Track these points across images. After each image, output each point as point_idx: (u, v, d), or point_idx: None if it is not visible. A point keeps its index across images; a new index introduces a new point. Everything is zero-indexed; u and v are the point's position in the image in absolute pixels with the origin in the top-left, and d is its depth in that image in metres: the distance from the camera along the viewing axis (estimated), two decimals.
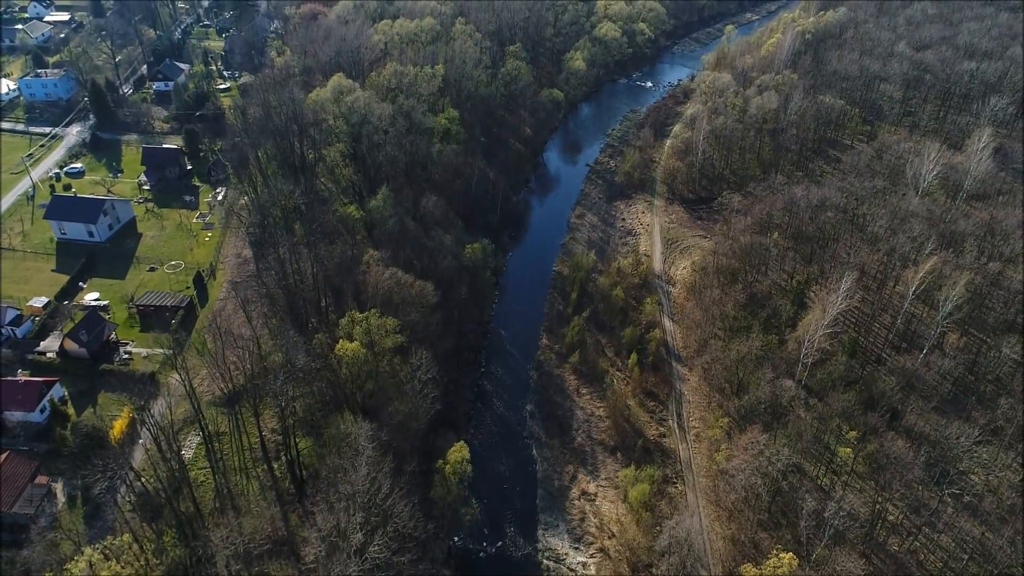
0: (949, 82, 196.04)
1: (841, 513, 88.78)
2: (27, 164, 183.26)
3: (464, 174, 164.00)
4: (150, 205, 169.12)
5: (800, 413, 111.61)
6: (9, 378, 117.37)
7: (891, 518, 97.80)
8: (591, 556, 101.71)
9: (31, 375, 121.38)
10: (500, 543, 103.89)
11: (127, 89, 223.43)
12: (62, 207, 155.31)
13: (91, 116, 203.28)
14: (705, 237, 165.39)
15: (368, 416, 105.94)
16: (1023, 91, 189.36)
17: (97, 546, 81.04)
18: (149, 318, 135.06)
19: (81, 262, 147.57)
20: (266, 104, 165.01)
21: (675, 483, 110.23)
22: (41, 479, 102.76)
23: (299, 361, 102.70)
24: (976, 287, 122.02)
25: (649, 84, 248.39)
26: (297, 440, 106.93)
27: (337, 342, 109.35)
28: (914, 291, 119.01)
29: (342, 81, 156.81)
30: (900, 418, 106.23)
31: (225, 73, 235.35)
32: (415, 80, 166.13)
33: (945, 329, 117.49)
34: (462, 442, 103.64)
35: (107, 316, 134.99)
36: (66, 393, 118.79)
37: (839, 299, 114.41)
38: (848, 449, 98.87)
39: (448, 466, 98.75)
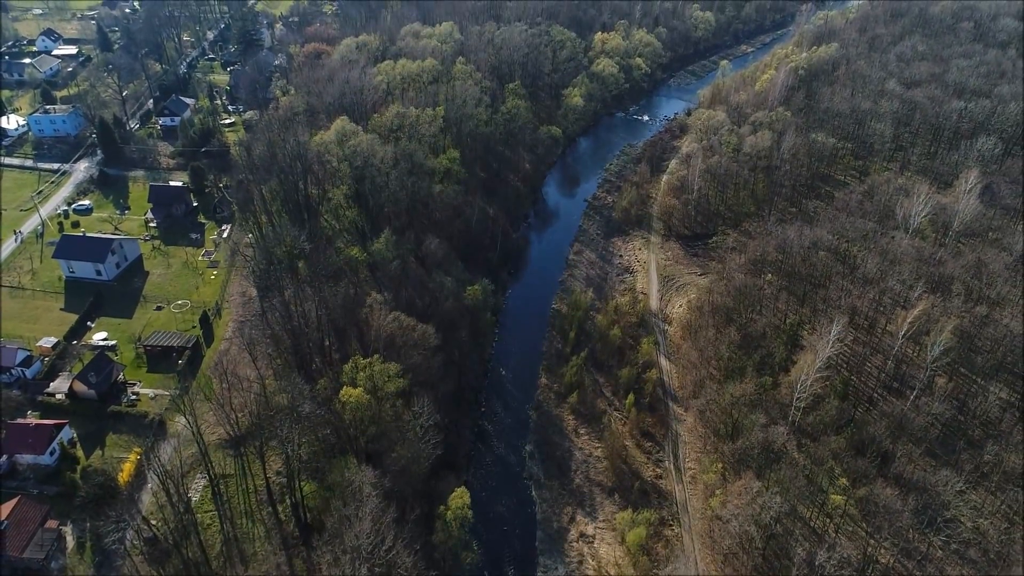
0: (939, 119, 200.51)
1: (832, 560, 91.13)
2: (36, 201, 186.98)
3: (464, 213, 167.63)
4: (157, 243, 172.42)
5: (794, 455, 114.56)
6: (20, 420, 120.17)
7: (883, 561, 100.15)
8: None
9: (40, 416, 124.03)
10: None
11: (134, 124, 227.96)
12: (71, 246, 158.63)
13: (99, 152, 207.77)
14: (701, 274, 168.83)
15: (371, 460, 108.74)
16: (1023, 128, 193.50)
17: None
18: (156, 358, 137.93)
19: (89, 301, 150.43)
20: (271, 144, 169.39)
21: (671, 525, 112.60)
22: (51, 523, 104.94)
23: (304, 409, 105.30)
24: (964, 330, 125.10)
25: (646, 118, 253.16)
26: (301, 483, 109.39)
27: (341, 387, 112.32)
28: (904, 335, 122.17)
29: (346, 125, 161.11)
30: (890, 462, 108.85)
31: (230, 108, 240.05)
32: (416, 122, 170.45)
33: (934, 372, 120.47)
34: (463, 488, 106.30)
35: (115, 356, 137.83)
36: (75, 435, 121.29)
37: (829, 344, 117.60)
38: (840, 497, 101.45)
39: (450, 512, 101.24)
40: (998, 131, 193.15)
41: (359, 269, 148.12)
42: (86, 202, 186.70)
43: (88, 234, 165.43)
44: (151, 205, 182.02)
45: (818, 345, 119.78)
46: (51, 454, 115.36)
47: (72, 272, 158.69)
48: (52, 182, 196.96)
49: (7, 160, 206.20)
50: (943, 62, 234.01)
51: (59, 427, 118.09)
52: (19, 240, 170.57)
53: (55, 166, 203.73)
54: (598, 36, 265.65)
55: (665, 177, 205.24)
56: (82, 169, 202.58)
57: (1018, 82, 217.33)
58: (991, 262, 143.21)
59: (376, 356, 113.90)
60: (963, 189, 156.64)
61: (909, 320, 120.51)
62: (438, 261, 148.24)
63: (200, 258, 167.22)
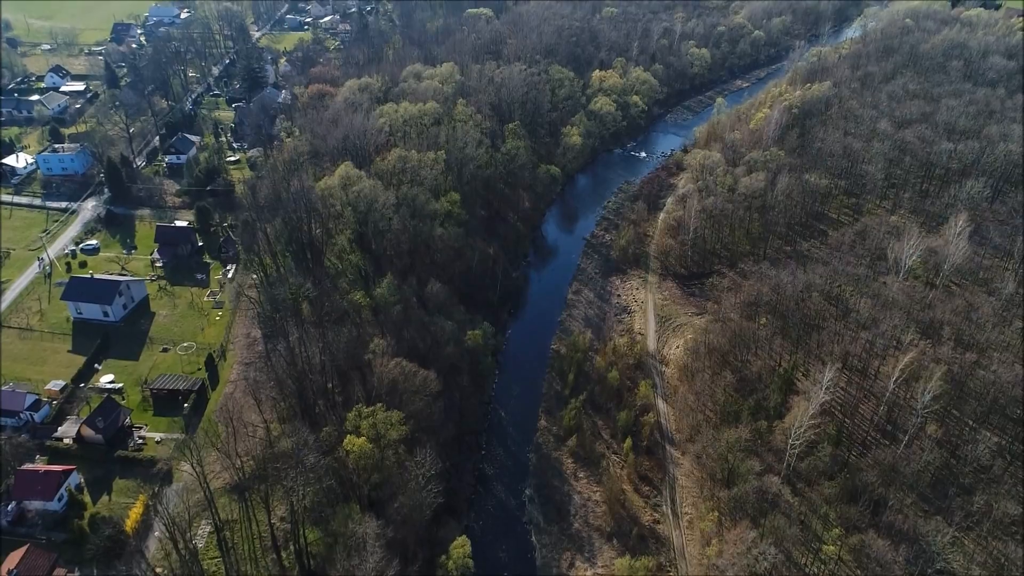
0: (930, 158, 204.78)
1: None
2: (44, 241, 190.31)
3: (465, 254, 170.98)
4: (163, 283, 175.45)
5: (789, 499, 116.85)
6: (28, 465, 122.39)
7: None
8: None
9: (48, 461, 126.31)
10: None
11: (140, 162, 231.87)
12: (79, 288, 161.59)
13: (106, 191, 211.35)
14: (697, 314, 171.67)
15: (373, 507, 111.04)
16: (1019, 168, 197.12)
17: None
18: (163, 401, 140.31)
19: (96, 343, 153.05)
20: (276, 187, 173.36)
21: (669, 572, 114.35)
22: (59, 572, 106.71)
23: (309, 460, 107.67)
24: (954, 376, 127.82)
25: (643, 154, 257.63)
26: (305, 530, 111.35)
27: (344, 434, 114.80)
28: (895, 380, 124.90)
29: (350, 170, 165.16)
30: (883, 511, 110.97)
31: (235, 145, 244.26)
32: (418, 165, 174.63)
33: (925, 419, 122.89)
34: (464, 536, 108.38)
35: (122, 399, 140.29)
36: (82, 480, 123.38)
37: (822, 390, 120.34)
38: (833, 547, 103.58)
39: (451, 561, 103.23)
40: (987, 172, 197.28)
41: (362, 311, 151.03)
42: (93, 241, 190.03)
43: (96, 275, 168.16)
44: (157, 245, 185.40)
45: (811, 392, 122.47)
46: (59, 500, 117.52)
47: (80, 313, 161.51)
48: (60, 221, 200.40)
49: (16, 199, 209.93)
50: (934, 101, 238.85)
51: (67, 473, 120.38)
52: (42, 267, 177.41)
53: (63, 205, 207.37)
54: (596, 74, 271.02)
55: (662, 216, 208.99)
56: (89, 208, 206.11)
57: (1007, 122, 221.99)
58: (980, 305, 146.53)
59: (379, 404, 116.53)
60: (953, 232, 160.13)
61: (900, 367, 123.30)
62: (440, 304, 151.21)
63: (205, 299, 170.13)
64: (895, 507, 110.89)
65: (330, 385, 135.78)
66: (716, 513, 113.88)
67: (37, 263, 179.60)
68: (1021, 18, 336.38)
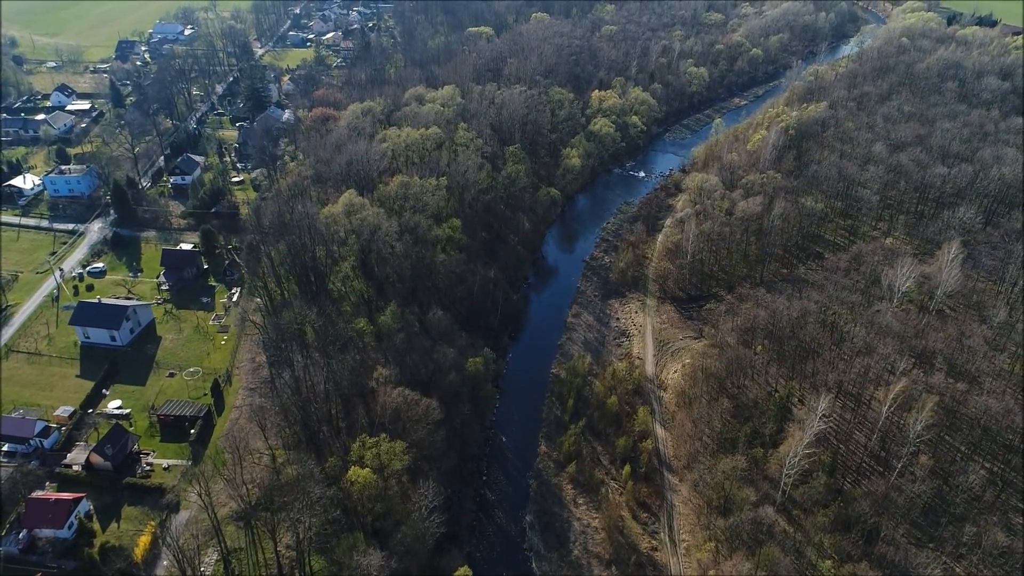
0: (924, 180, 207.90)
1: None
2: (52, 263, 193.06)
3: (467, 280, 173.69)
4: (169, 306, 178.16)
5: (784, 526, 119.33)
6: (39, 493, 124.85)
7: None
8: None
9: (58, 488, 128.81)
10: None
11: (145, 183, 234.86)
12: (87, 313, 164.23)
13: (112, 213, 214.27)
14: (695, 338, 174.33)
15: (377, 537, 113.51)
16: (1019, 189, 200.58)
17: None
18: (170, 427, 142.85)
19: (104, 368, 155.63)
20: (280, 211, 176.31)
21: None
22: None
23: (315, 493, 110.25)
24: (946, 404, 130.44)
25: (642, 174, 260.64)
26: (311, 559, 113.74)
27: (348, 464, 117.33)
28: (888, 409, 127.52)
29: (353, 198, 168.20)
30: (875, 541, 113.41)
31: (239, 165, 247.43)
32: (420, 191, 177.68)
33: (918, 448, 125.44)
34: (466, 567, 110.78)
35: (129, 426, 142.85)
36: (91, 508, 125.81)
37: (816, 419, 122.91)
38: None
39: None
40: (980, 196, 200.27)
41: (365, 338, 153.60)
42: (100, 265, 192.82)
43: (103, 300, 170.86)
44: (163, 268, 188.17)
45: (806, 421, 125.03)
46: (69, 528, 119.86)
47: (87, 338, 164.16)
48: (67, 243, 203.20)
49: (23, 221, 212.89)
50: (929, 123, 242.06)
51: (77, 501, 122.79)
52: (62, 277, 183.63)
53: (70, 227, 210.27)
54: (595, 94, 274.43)
55: (660, 239, 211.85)
56: (96, 230, 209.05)
57: (1000, 144, 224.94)
58: (973, 333, 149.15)
59: (383, 435, 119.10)
60: (946, 259, 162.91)
61: (892, 396, 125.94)
62: (442, 332, 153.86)
63: (211, 323, 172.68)
64: (888, 537, 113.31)
65: (334, 412, 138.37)
66: (713, 543, 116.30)
67: (57, 273, 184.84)
68: (1017, 36, 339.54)
